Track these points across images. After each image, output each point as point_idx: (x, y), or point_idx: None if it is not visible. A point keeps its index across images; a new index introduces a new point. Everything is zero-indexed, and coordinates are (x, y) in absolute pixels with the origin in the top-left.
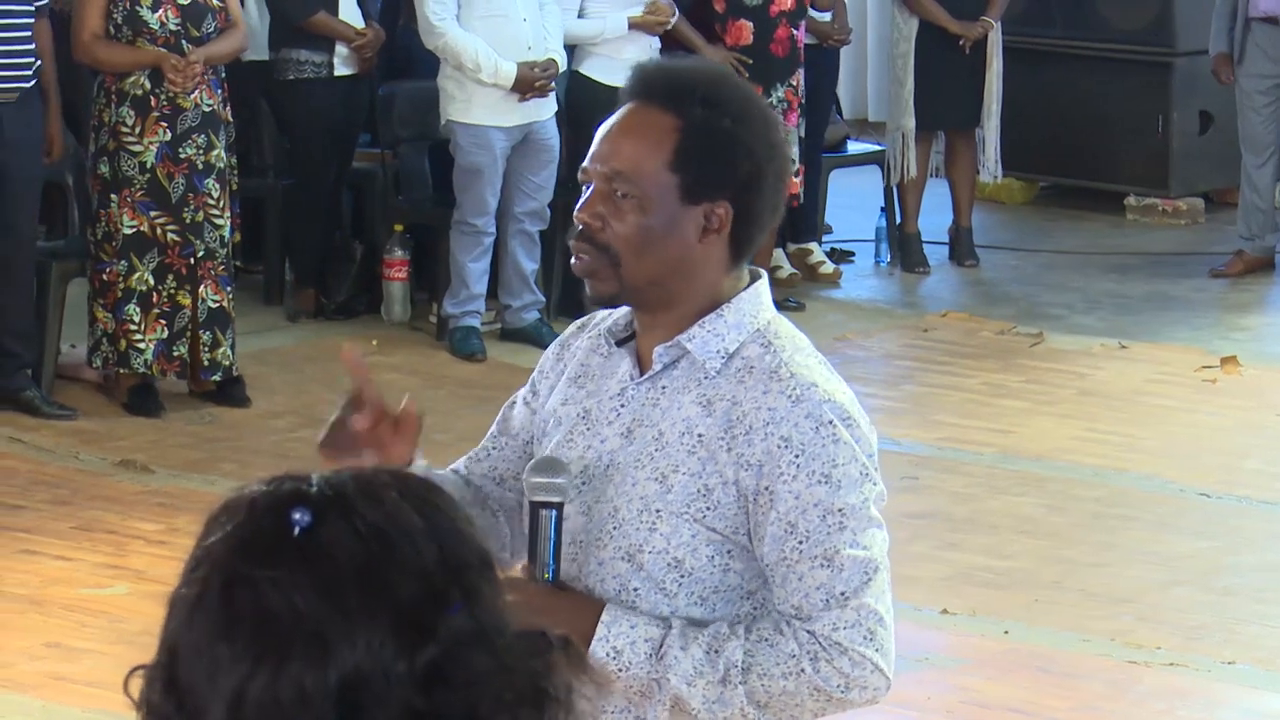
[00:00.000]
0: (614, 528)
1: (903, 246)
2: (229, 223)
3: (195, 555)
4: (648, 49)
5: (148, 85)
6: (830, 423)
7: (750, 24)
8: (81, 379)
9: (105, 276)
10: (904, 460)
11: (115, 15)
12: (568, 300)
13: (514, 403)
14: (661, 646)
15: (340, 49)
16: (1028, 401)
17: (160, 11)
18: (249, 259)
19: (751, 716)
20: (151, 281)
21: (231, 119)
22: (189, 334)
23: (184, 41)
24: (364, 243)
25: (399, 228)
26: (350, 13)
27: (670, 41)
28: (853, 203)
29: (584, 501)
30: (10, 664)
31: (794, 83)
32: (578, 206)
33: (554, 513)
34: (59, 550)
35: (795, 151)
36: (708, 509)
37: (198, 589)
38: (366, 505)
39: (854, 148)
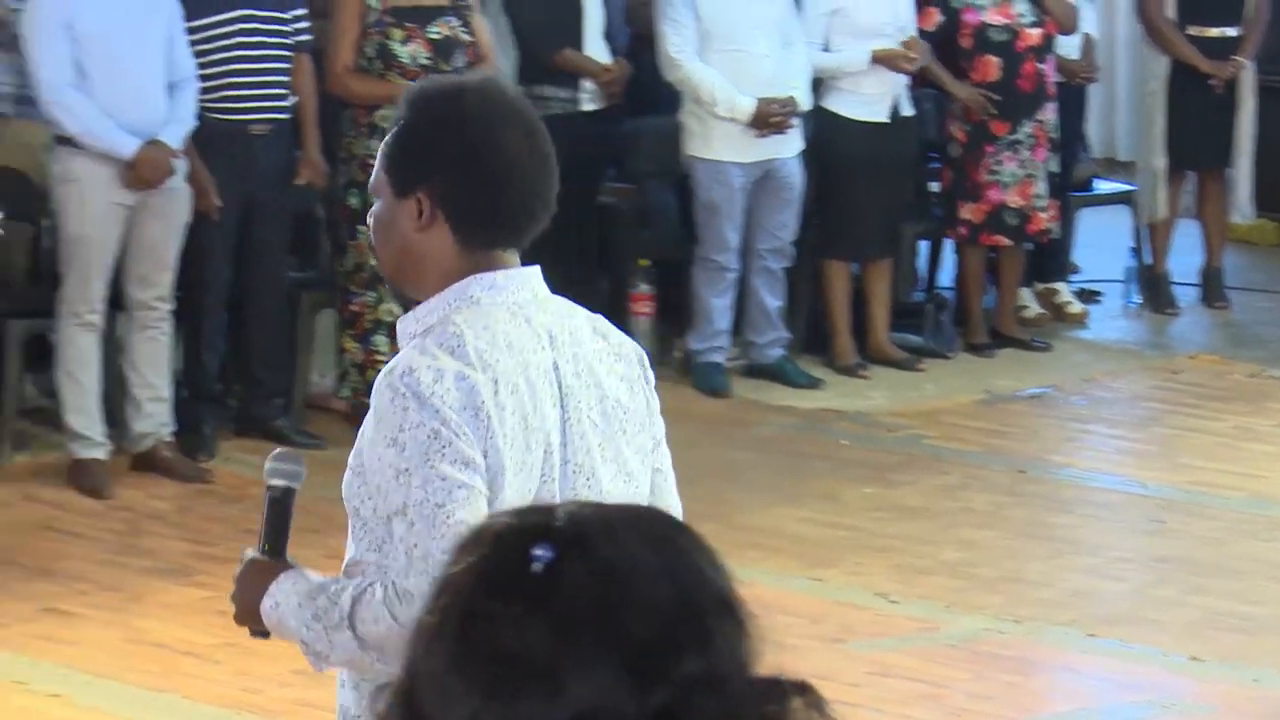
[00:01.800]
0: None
1: (1152, 287)
2: None
3: (440, 584)
4: (893, 84)
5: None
6: (402, 393)
7: (997, 60)
8: (330, 408)
9: (354, 307)
10: (1151, 504)
11: (367, 49)
12: (813, 337)
13: None
14: (303, 601)
15: (586, 85)
16: (1278, 446)
17: (411, 45)
18: None
19: (368, 659)
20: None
21: None
22: None
23: (434, 75)
24: (609, 277)
25: (644, 263)
26: (596, 48)
27: (917, 78)
28: (1101, 242)
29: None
30: (258, 689)
31: (1042, 118)
32: None
33: (278, 493)
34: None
35: (1043, 188)
36: (355, 481)
37: (439, 618)
38: (606, 544)
39: (1103, 187)
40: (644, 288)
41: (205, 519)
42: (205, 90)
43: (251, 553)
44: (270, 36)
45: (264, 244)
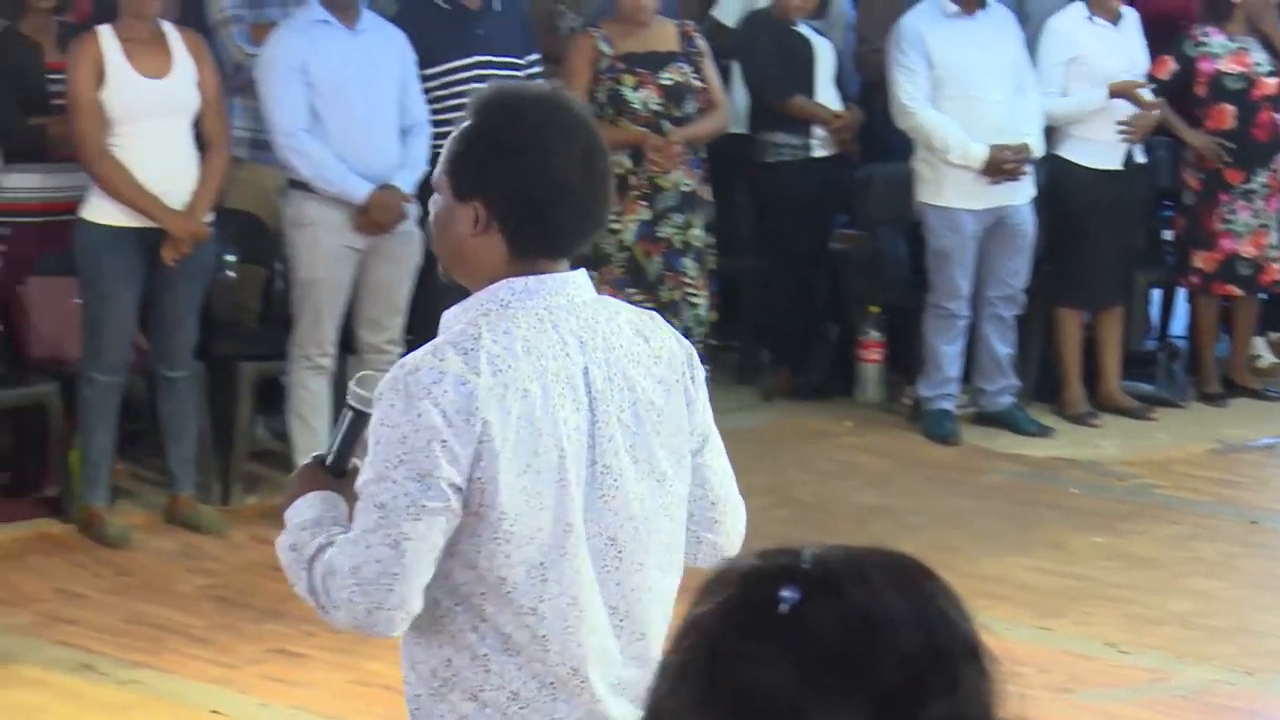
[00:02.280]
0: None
1: None
2: (706, 301)
3: (686, 622)
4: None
5: (628, 164)
6: (398, 390)
7: (1232, 108)
8: None
9: None
10: None
11: (598, 94)
12: (1043, 384)
13: None
14: (295, 526)
15: (818, 131)
16: None
17: (642, 91)
18: (724, 337)
19: (315, 602)
20: None
21: (710, 199)
22: None
23: (665, 121)
24: (839, 324)
25: (874, 309)
26: (828, 95)
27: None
28: None
29: None
30: None
31: (1276, 168)
32: None
33: (351, 414)
34: None
35: (1276, 238)
36: None
37: (685, 657)
38: (854, 587)
39: None
40: (874, 334)
41: None
42: (440, 136)
43: (316, 456)
44: (506, 82)
45: None
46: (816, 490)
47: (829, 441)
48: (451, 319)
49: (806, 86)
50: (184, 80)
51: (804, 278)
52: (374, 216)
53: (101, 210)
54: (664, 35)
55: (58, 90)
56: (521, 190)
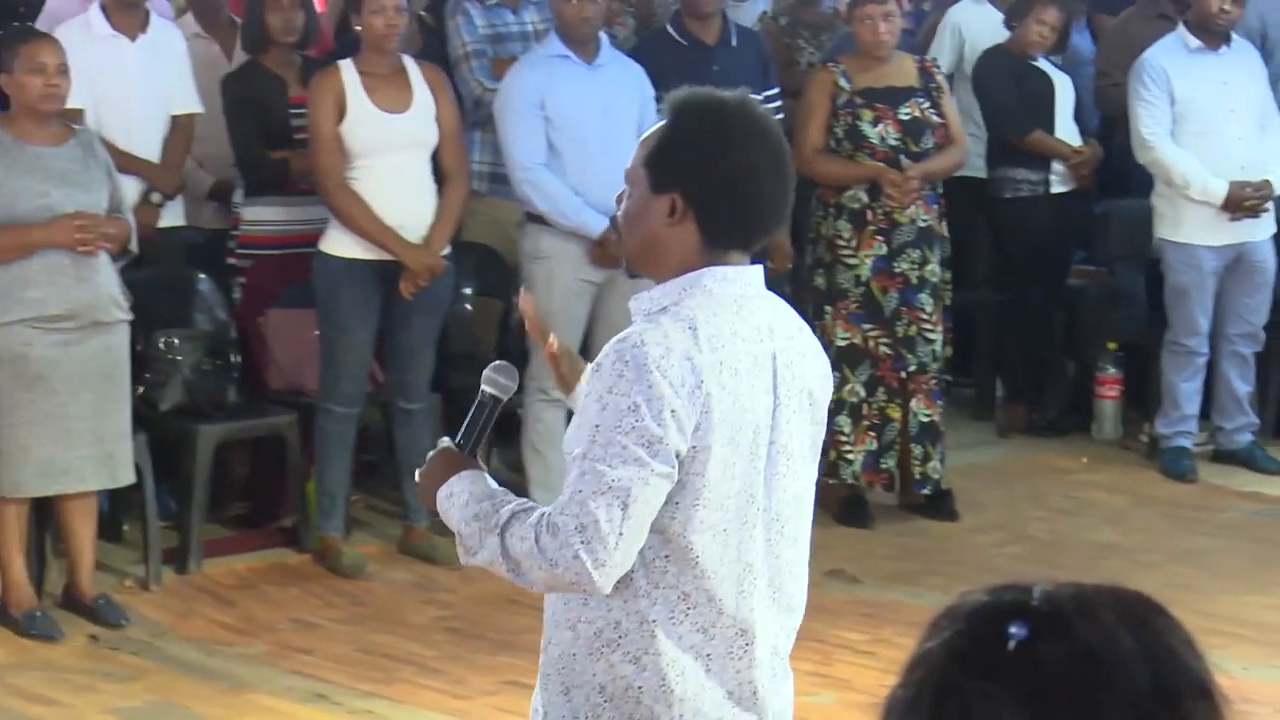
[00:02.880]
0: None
1: None
2: (941, 337)
3: (914, 657)
4: None
5: (865, 199)
6: (626, 361)
7: None
8: None
9: None
10: None
11: (836, 130)
12: None
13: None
14: (471, 499)
15: (1057, 167)
16: None
17: (880, 126)
18: (960, 373)
19: (506, 567)
20: (862, 393)
21: (947, 234)
22: (898, 447)
23: (902, 156)
24: (1076, 360)
25: (1112, 345)
26: (1067, 130)
27: None
28: None
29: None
30: None
31: None
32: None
33: (485, 401)
34: None
35: None
36: None
37: (912, 691)
38: (1083, 624)
39: None
40: (1111, 371)
41: None
42: None
43: (447, 442)
44: None
45: None
46: (1050, 526)
47: (1064, 478)
48: (650, 301)
49: (1046, 122)
50: (423, 115)
51: (1041, 313)
52: (610, 250)
53: (340, 243)
54: (903, 70)
55: (299, 124)
56: (720, 184)
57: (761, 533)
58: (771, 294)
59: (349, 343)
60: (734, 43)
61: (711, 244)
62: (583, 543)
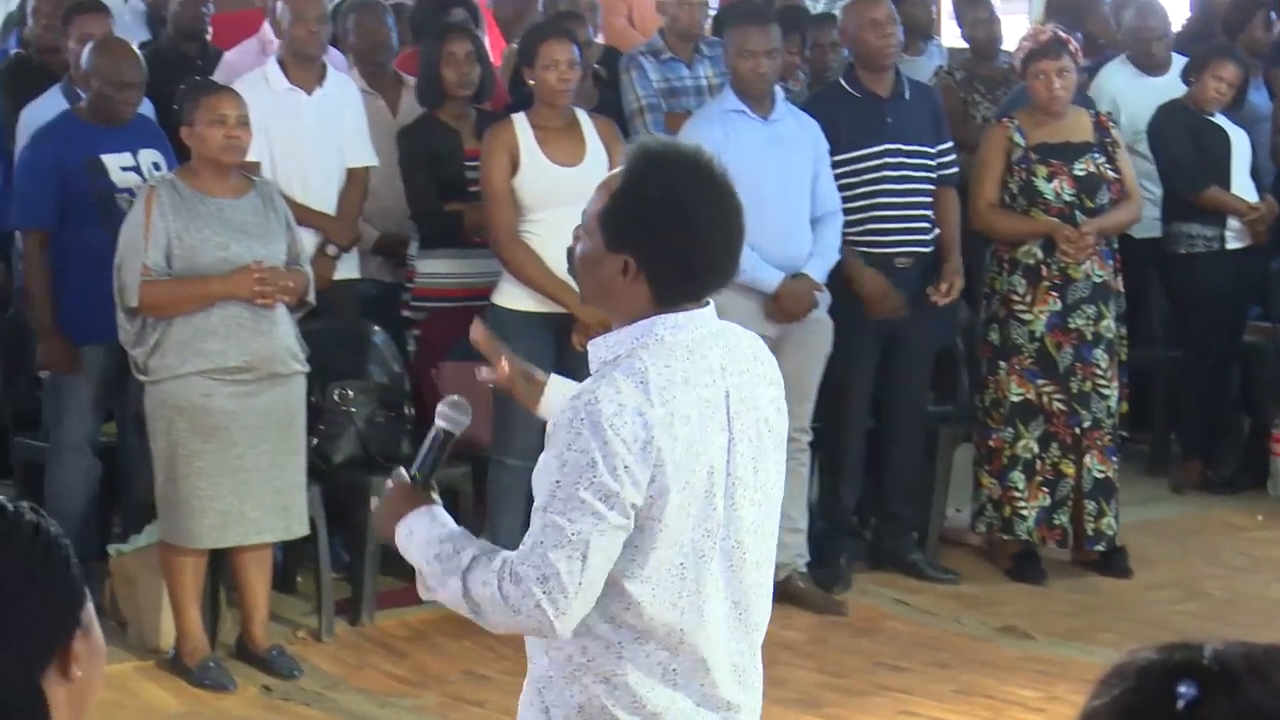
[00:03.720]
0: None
1: None
2: (1116, 393)
3: (1083, 715)
4: None
5: (1040, 254)
6: (582, 419)
7: None
8: (965, 543)
9: (991, 443)
10: None
11: (1011, 185)
12: None
13: None
14: (432, 539)
15: (1232, 223)
16: None
17: (1055, 182)
18: (1135, 429)
19: (467, 607)
20: (1036, 449)
21: (1122, 289)
22: (1072, 503)
23: (1078, 212)
24: (1252, 416)
25: None
26: (1243, 186)
27: None
28: None
29: None
30: None
31: None
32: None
33: (439, 434)
34: (938, 713)
35: None
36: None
37: None
38: (1254, 685)
39: None
40: None
41: (838, 650)
42: (850, 223)
43: (403, 473)
44: (915, 170)
45: (905, 376)
46: (1225, 584)
47: (1239, 535)
48: (604, 348)
49: (1222, 177)
50: (597, 168)
51: (1217, 370)
52: (785, 305)
53: (512, 295)
54: (1078, 125)
55: (474, 177)
56: (670, 251)
57: (721, 561)
58: (728, 326)
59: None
60: (907, 96)
61: (662, 300)
62: (545, 592)
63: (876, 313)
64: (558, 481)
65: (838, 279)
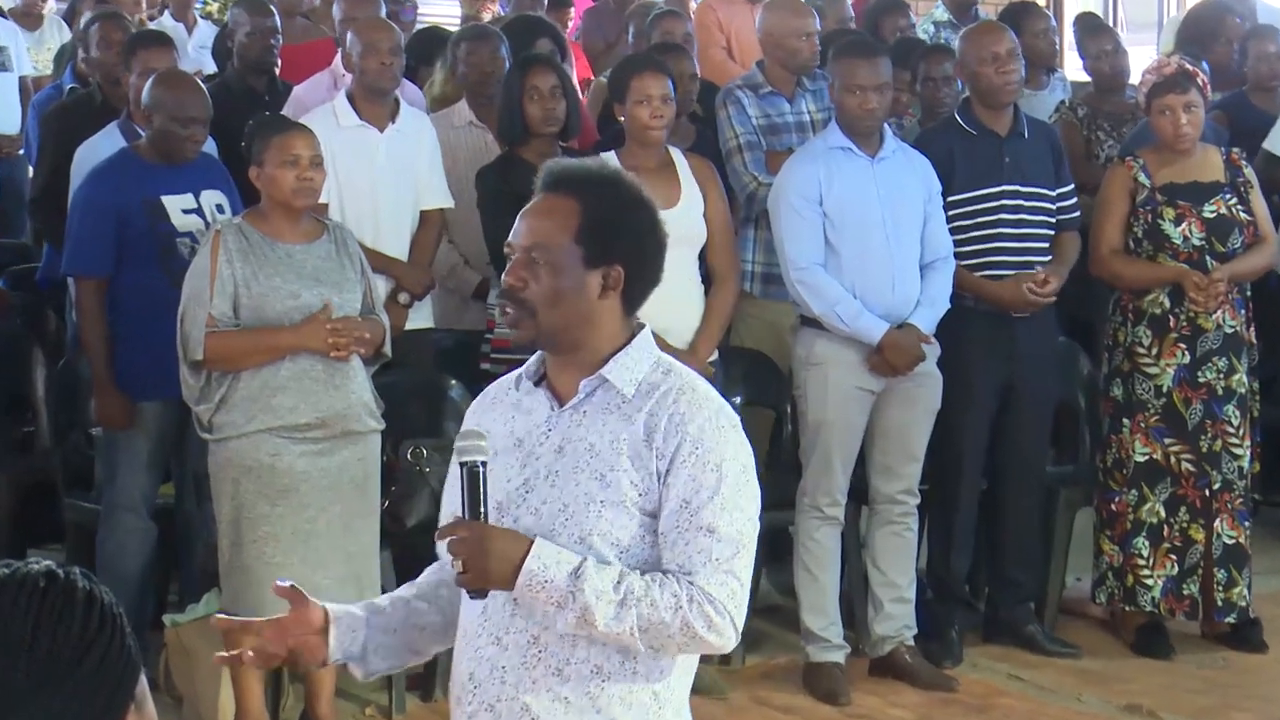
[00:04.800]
0: (565, 519)
1: None
2: (1248, 452)
3: None
4: None
5: (1167, 304)
6: (723, 427)
7: None
8: (1085, 615)
9: (1114, 506)
10: None
11: (1135, 229)
12: None
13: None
14: (579, 568)
15: None
16: None
17: (1183, 225)
18: (1268, 491)
19: (636, 638)
20: (1163, 513)
21: (1255, 340)
22: (1201, 571)
23: (1208, 257)
24: None
25: None
26: None
27: None
28: None
29: (531, 505)
30: None
31: None
32: (505, 273)
33: (482, 468)
34: None
35: None
36: (639, 495)
37: None
38: None
39: None
40: None
41: None
42: (963, 269)
43: (467, 519)
44: (1034, 214)
45: (1021, 434)
46: None
47: None
48: (627, 370)
49: None
50: (691, 210)
51: None
52: (890, 357)
53: None
54: (1208, 164)
55: None
56: (655, 252)
57: None
58: None
59: None
60: (1026, 135)
61: (629, 311)
62: (736, 608)
63: (1020, 305)
64: (723, 494)
65: (947, 330)
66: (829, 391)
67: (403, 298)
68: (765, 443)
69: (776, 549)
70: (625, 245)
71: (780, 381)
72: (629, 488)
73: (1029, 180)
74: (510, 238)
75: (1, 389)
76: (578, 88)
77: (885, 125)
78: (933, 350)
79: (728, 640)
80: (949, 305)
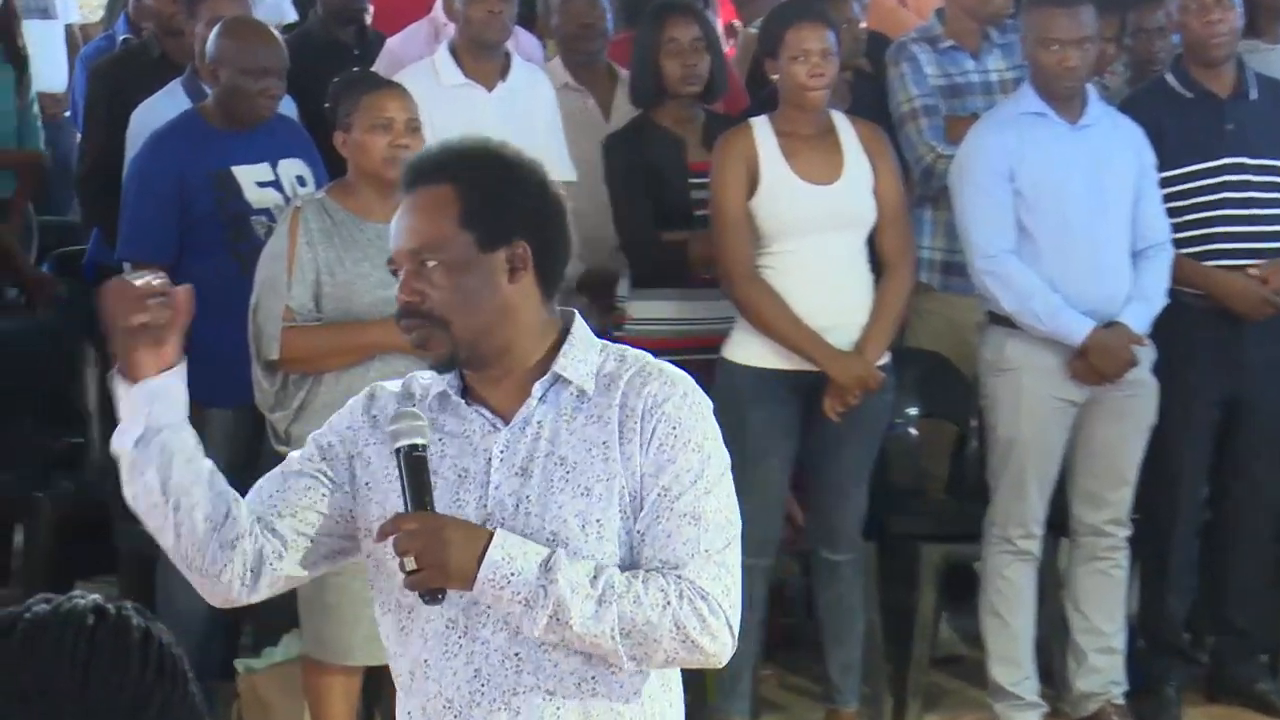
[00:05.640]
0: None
1: None
2: None
3: None
4: None
5: None
6: (697, 403)
7: None
8: None
9: None
10: None
11: None
12: None
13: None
14: (550, 560)
15: None
16: None
17: None
18: None
19: (616, 641)
20: None
21: None
22: None
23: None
24: None
25: None
26: None
27: None
28: None
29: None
30: None
31: None
32: (398, 290)
33: (407, 456)
34: None
35: None
36: (630, 501)
37: None
38: None
39: None
40: None
41: None
42: (1185, 258)
43: (411, 511)
44: (1263, 191)
45: (1250, 454)
46: None
47: None
48: (582, 363)
49: None
50: (857, 186)
51: None
52: (1095, 362)
53: (748, 348)
54: None
55: (701, 197)
56: (556, 217)
57: None
58: None
59: (759, 476)
60: (1253, 96)
61: (548, 293)
62: (730, 607)
63: (1248, 312)
64: (707, 475)
65: (1164, 329)
66: (1022, 402)
67: None
68: (945, 463)
69: (959, 589)
70: (519, 216)
71: (964, 390)
72: (622, 495)
73: (1258, 151)
74: (391, 248)
75: (45, 394)
76: (722, 40)
77: (1088, 86)
78: (1146, 354)
79: (723, 646)
80: (1166, 301)
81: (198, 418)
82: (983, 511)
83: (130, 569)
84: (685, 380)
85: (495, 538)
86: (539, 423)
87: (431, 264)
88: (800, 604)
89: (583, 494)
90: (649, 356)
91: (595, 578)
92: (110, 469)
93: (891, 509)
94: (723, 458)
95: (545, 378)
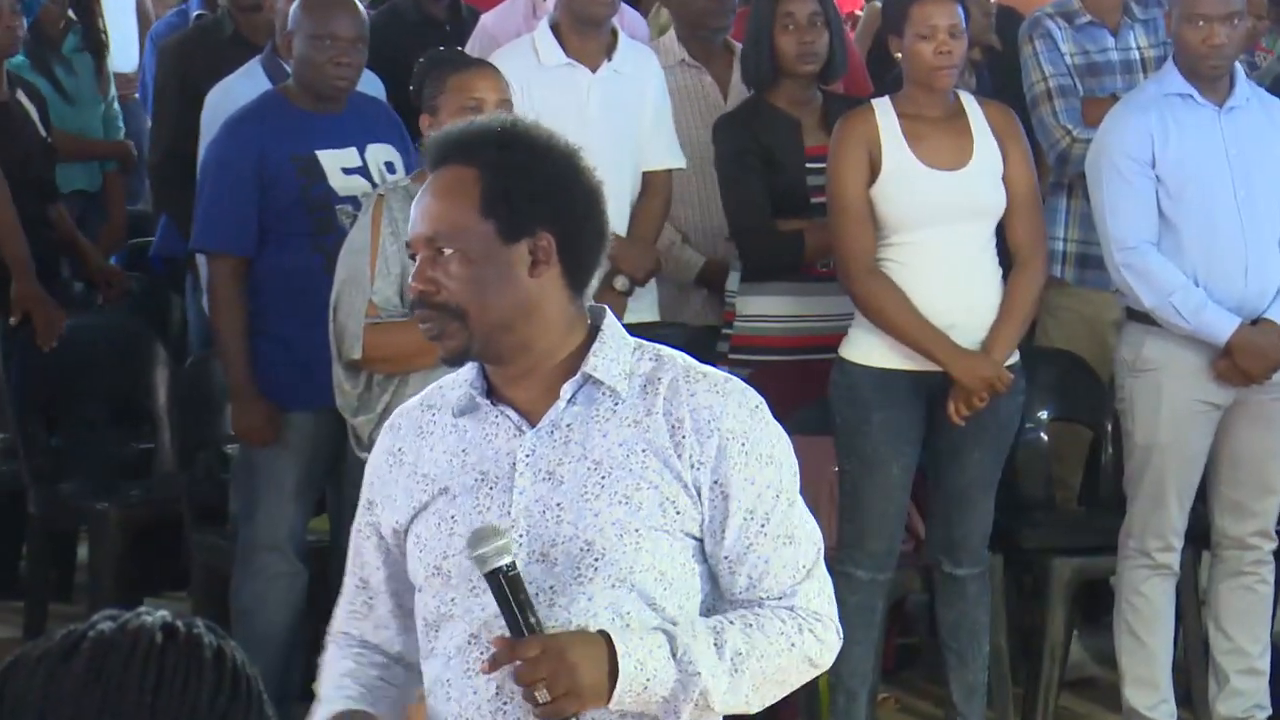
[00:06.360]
0: (594, 560)
1: None
2: None
3: None
4: None
5: None
6: (757, 407)
7: None
8: None
9: None
10: None
11: None
12: None
13: (360, 547)
14: (676, 649)
15: None
16: None
17: None
18: None
19: (752, 700)
20: None
21: None
22: None
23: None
24: None
25: None
26: None
27: None
28: None
29: (533, 551)
30: None
31: None
32: (411, 279)
33: (500, 578)
34: None
35: None
36: (676, 513)
37: None
38: None
39: None
40: None
41: None
42: None
43: (526, 637)
44: None
45: None
46: None
47: None
48: (614, 363)
49: None
50: (987, 173)
51: None
52: (1242, 362)
53: (868, 347)
54: None
55: (818, 184)
56: (580, 204)
57: None
58: None
59: (879, 483)
60: None
61: (577, 286)
62: (834, 612)
63: None
64: (787, 487)
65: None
66: (1163, 405)
67: (620, 282)
68: (1080, 469)
69: (1093, 605)
70: (545, 205)
71: (1099, 392)
72: (664, 506)
73: None
74: (409, 231)
75: (113, 396)
76: (842, 16)
77: (1237, 65)
78: None
79: (834, 652)
80: None
81: (279, 422)
82: (1118, 523)
83: (202, 584)
84: (733, 383)
85: (617, 645)
86: (569, 425)
87: (448, 252)
88: (922, 622)
89: (621, 502)
90: (686, 357)
91: (720, 647)
92: (182, 475)
93: (1020, 520)
94: (791, 459)
95: (575, 378)
